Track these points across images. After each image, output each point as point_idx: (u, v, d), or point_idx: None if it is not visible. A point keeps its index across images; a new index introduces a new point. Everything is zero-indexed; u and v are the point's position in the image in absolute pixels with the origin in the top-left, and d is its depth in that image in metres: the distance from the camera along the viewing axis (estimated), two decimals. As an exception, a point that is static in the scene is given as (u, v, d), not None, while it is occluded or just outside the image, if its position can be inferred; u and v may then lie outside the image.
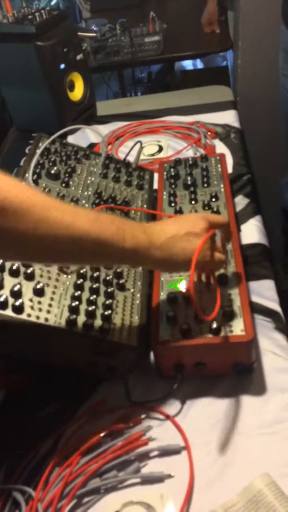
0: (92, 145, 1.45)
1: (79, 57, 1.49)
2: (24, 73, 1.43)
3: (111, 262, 0.78)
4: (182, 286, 0.83)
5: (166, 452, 0.71)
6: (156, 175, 1.15)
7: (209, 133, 1.41)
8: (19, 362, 0.82)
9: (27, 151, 1.45)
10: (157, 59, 2.20)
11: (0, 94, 1.60)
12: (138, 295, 0.85)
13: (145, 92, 2.64)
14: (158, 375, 0.81)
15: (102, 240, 0.64)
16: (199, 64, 3.11)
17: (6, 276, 0.77)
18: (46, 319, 0.74)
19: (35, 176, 0.99)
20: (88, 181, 1.06)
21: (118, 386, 0.80)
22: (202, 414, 0.75)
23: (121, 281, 0.85)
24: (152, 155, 1.36)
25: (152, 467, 0.70)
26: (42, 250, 0.62)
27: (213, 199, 1.00)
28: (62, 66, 1.43)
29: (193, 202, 1.00)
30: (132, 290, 0.86)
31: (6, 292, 0.75)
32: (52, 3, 2.73)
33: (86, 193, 1.02)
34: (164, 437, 0.73)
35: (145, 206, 1.06)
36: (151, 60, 2.17)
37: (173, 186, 1.06)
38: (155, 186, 1.12)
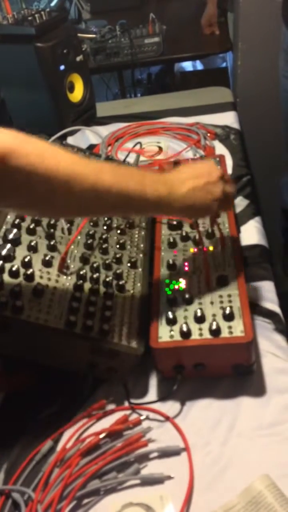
0: (91, 146, 1.45)
1: (79, 58, 1.49)
2: (24, 74, 1.43)
3: (133, 214, 0.86)
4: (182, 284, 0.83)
5: (165, 453, 0.71)
6: (155, 176, 1.15)
7: (208, 134, 1.41)
8: (19, 363, 0.82)
9: (27, 152, 1.46)
10: (157, 61, 2.20)
11: (0, 95, 1.61)
12: (138, 296, 0.85)
13: (145, 93, 2.64)
14: (158, 376, 0.81)
15: (124, 195, 0.68)
16: (199, 66, 3.11)
17: (6, 277, 0.77)
18: (46, 320, 0.74)
19: (35, 177, 0.99)
20: (88, 182, 1.06)
21: (117, 387, 0.80)
22: (202, 415, 0.75)
23: (120, 282, 0.85)
24: (152, 156, 1.36)
25: (151, 468, 0.70)
26: (69, 206, 0.68)
27: (213, 200, 0.99)
28: (62, 67, 1.43)
29: (192, 203, 1.00)
30: (131, 291, 0.86)
31: (6, 293, 0.75)
32: (52, 4, 2.73)
33: (86, 194, 1.02)
34: (164, 438, 0.73)
35: (144, 207, 1.05)
36: (151, 61, 2.17)
37: (172, 187, 1.06)
38: (155, 187, 1.11)
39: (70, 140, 1.49)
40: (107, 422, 0.76)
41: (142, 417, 0.75)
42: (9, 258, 0.80)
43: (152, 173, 0.75)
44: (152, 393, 0.80)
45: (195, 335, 0.75)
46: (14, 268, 0.78)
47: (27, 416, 0.79)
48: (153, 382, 0.81)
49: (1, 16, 1.41)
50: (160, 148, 1.38)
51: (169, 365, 0.77)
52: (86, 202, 0.67)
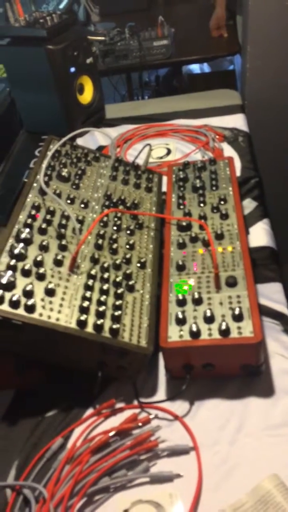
0: (101, 148, 1.46)
1: (89, 60, 1.50)
2: (34, 76, 1.44)
3: None
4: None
5: (175, 452, 0.72)
6: (164, 178, 1.15)
7: (217, 136, 1.42)
8: (30, 361, 0.83)
9: (36, 153, 1.47)
10: (165, 63, 2.22)
11: (10, 97, 1.62)
12: (147, 296, 0.86)
13: (152, 96, 2.65)
14: (167, 375, 0.81)
15: None
16: (206, 68, 3.11)
17: (19, 276, 0.78)
18: (57, 319, 0.75)
19: (46, 178, 1.00)
20: (98, 183, 1.07)
21: (127, 386, 0.80)
22: (210, 415, 0.76)
23: (130, 282, 0.85)
24: (161, 158, 1.36)
25: (161, 466, 0.71)
26: None
27: (222, 202, 1.00)
28: (72, 69, 1.44)
29: (201, 205, 1.01)
30: (141, 291, 0.86)
31: (18, 291, 0.76)
32: (61, 6, 2.75)
33: (96, 195, 1.03)
34: (173, 437, 0.74)
35: (153, 208, 1.06)
36: (159, 63, 2.18)
37: (181, 189, 1.07)
38: (164, 188, 1.12)
39: (79, 141, 1.50)
40: (116, 420, 0.76)
41: (151, 416, 0.76)
42: (22, 257, 0.81)
43: None
44: (161, 393, 0.80)
45: (204, 335, 0.76)
46: (26, 267, 0.79)
47: (37, 413, 0.80)
48: (162, 382, 0.82)
49: (13, 18, 1.43)
50: (169, 150, 1.39)
51: (178, 365, 0.78)
52: None
